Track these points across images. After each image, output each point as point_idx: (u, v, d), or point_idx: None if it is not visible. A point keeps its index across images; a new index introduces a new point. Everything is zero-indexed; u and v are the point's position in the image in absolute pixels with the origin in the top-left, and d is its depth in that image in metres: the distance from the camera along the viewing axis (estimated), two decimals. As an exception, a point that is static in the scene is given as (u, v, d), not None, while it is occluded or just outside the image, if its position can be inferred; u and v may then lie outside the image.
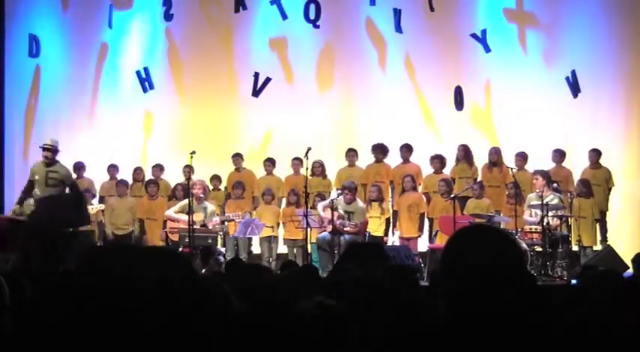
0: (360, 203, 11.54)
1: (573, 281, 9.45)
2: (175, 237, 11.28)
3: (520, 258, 2.08)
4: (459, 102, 12.82)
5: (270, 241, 12.06)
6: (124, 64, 13.61)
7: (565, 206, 11.29)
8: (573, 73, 12.45)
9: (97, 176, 12.91)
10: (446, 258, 2.08)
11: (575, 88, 12.45)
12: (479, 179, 12.10)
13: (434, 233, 11.81)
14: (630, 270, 8.82)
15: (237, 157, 12.74)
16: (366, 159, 12.60)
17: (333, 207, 11.08)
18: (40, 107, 13.74)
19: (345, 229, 11.20)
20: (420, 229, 12.05)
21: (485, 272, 1.98)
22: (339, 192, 11.74)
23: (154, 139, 13.70)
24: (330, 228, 11.17)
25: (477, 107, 13.19)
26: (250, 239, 12.15)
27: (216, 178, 12.63)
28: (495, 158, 12.18)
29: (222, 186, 12.73)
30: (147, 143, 13.74)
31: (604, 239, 11.82)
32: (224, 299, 2.83)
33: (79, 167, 12.61)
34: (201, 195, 11.36)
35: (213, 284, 3.09)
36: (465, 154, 12.26)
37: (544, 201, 10.71)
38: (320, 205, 11.48)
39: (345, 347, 2.39)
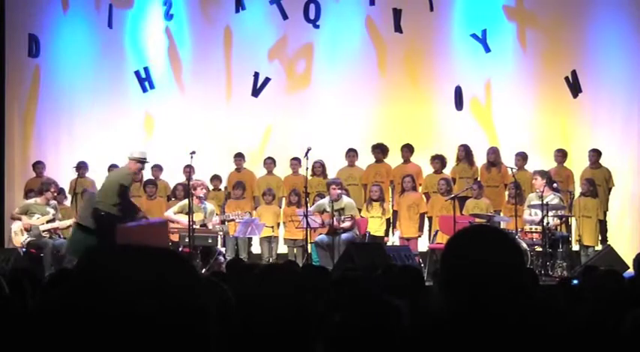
0: (347, 198, 11.55)
1: (575, 282, 9.46)
2: (175, 237, 11.28)
3: (520, 257, 2.08)
4: (458, 102, 12.81)
5: (270, 241, 12.07)
6: (124, 64, 13.59)
7: (565, 206, 11.30)
8: (573, 73, 12.44)
9: (97, 176, 12.90)
10: (446, 259, 2.08)
11: (575, 88, 12.43)
12: (478, 179, 12.11)
13: (434, 233, 11.81)
14: (630, 270, 8.84)
15: (240, 158, 12.75)
16: (365, 159, 12.61)
17: (321, 212, 11.16)
18: (39, 107, 13.73)
19: (341, 225, 11.22)
20: (420, 229, 12.06)
21: (485, 272, 1.98)
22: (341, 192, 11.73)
23: (154, 139, 13.69)
24: (326, 229, 11.22)
25: (476, 107, 13.18)
26: (250, 239, 12.15)
27: (216, 178, 12.64)
28: (493, 158, 12.21)
29: (222, 186, 12.73)
30: (147, 143, 13.73)
31: (604, 239, 11.82)
32: (224, 300, 2.83)
33: (82, 166, 12.60)
34: (201, 195, 11.37)
35: (214, 284, 3.09)
36: (466, 154, 12.27)
37: (544, 201, 10.71)
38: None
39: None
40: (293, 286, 2.24)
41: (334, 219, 11.18)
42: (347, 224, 11.26)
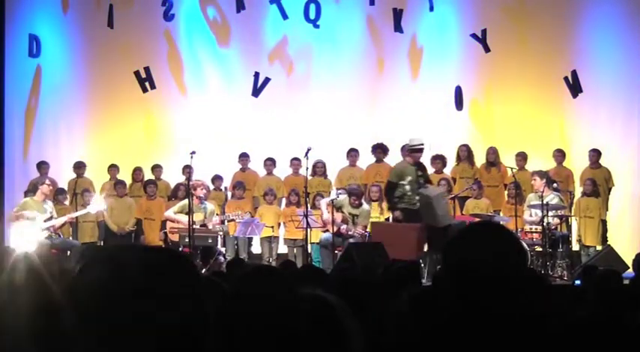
0: (367, 206, 11.53)
1: (577, 282, 9.47)
2: (175, 237, 11.29)
3: (523, 255, 2.07)
4: (458, 102, 12.81)
5: (270, 241, 12.07)
6: (125, 64, 13.59)
7: (565, 206, 11.30)
8: (573, 73, 12.43)
9: (97, 176, 12.91)
10: (448, 257, 2.07)
11: (575, 88, 12.43)
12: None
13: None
14: (630, 271, 8.83)
15: (245, 157, 12.75)
16: (366, 159, 12.60)
17: (334, 206, 11.10)
18: (40, 107, 13.73)
19: (349, 233, 11.22)
20: (420, 229, 12.03)
21: (487, 270, 1.97)
22: (340, 191, 11.72)
23: (154, 139, 13.70)
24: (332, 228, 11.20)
25: (476, 107, 13.18)
26: (250, 239, 12.15)
27: (217, 178, 12.64)
28: (493, 158, 12.22)
29: (223, 186, 12.73)
30: (147, 143, 13.73)
31: (604, 239, 11.82)
32: (224, 300, 2.83)
33: (80, 166, 12.61)
34: (201, 195, 11.37)
35: (214, 284, 3.09)
36: (468, 154, 12.28)
37: (544, 201, 10.71)
38: (323, 202, 11.45)
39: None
40: (284, 285, 2.23)
41: (343, 227, 11.16)
42: (358, 233, 11.23)
